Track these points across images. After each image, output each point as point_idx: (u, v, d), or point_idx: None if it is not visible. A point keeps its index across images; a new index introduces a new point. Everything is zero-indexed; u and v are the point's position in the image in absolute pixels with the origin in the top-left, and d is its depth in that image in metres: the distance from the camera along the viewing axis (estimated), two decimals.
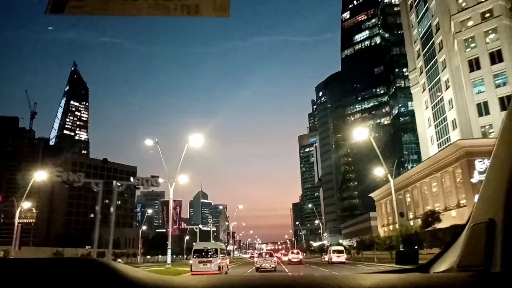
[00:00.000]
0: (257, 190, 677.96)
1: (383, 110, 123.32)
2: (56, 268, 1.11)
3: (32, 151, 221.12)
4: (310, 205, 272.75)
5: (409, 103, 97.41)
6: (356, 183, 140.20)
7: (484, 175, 1.46)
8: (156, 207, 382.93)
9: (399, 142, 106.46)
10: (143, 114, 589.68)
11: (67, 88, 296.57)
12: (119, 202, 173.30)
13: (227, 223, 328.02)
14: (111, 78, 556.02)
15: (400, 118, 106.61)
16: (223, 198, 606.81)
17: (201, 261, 24.29)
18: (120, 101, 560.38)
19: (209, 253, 24.78)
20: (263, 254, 35.55)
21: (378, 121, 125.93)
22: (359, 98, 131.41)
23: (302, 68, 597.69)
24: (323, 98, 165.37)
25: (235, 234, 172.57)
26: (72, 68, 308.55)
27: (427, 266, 1.79)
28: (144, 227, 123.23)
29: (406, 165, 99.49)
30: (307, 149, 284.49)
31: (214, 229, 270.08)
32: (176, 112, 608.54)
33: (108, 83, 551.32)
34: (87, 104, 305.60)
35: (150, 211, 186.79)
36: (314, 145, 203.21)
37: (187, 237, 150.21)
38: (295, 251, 55.44)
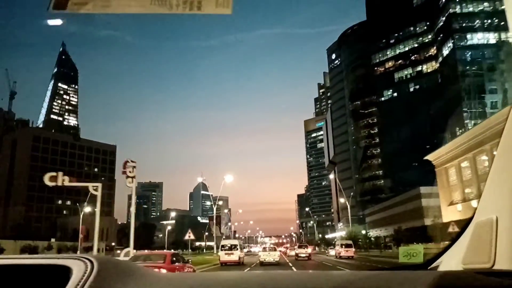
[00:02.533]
0: (260, 184, 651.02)
1: (426, 53, 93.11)
2: (53, 268, 1.06)
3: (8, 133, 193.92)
4: (316, 196, 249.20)
5: (471, 35, 68.43)
6: (380, 160, 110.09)
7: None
8: (154, 198, 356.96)
9: (452, 93, 75.86)
10: (142, 106, 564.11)
11: (55, 70, 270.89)
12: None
13: (226, 211, 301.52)
14: (110, 71, 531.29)
15: (455, 58, 75.78)
16: (225, 191, 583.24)
17: (226, 253, 32.51)
18: (117, 93, 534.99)
19: (232, 248, 33.16)
20: (267, 248, 36.44)
21: (419, 68, 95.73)
22: (392, 41, 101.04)
23: (305, 60, 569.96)
24: (336, 61, 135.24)
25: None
26: (61, 49, 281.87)
27: (431, 263, 1.75)
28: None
29: (467, 121, 69.20)
30: (314, 134, 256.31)
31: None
32: (178, 106, 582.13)
33: (106, 76, 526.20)
34: (76, 87, 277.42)
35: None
36: (324, 122, 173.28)
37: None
38: (303, 244, 51.68)
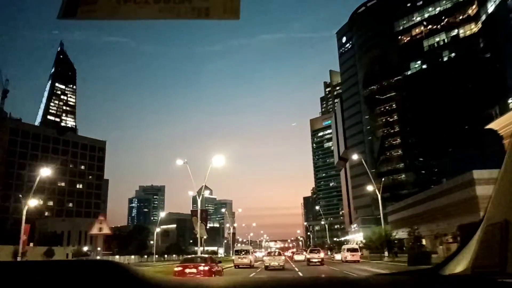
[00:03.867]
0: (265, 188, 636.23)
1: (463, 13, 77.59)
2: (70, 271, 1.06)
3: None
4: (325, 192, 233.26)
5: None
6: (400, 151, 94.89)
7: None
8: (156, 202, 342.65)
9: (498, 61, 60.48)
10: (145, 111, 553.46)
11: (53, 69, 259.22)
12: (79, 186, 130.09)
13: (230, 218, 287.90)
14: (115, 76, 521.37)
15: (503, 16, 59.97)
16: (229, 195, 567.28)
17: (239, 257, 36.83)
18: (118, 96, 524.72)
19: (243, 252, 37.67)
20: (272, 253, 36.79)
21: (454, 33, 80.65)
22: (419, 3, 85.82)
23: (309, 65, 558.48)
24: (347, 45, 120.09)
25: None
26: (59, 48, 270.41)
27: (440, 268, 1.69)
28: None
29: None
30: (321, 133, 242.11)
31: (217, 225, 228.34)
32: (182, 110, 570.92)
33: (111, 81, 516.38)
34: (74, 87, 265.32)
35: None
36: (333, 116, 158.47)
37: None
38: (315, 249, 47.38)
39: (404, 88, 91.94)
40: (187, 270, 17.72)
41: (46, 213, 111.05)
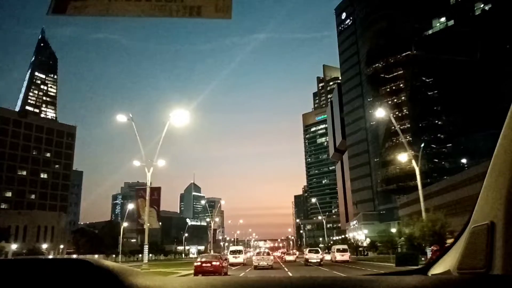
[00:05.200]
0: (255, 188, 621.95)
1: None
2: (51, 270, 1.02)
3: None
4: (324, 181, 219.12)
5: None
6: (410, 136, 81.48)
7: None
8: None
9: None
10: (135, 108, 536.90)
11: (33, 58, 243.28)
12: (44, 175, 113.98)
13: (216, 218, 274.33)
14: (105, 73, 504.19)
15: None
16: (218, 193, 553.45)
17: (234, 256, 38.59)
18: (111, 94, 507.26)
19: (237, 252, 40.18)
20: (261, 253, 36.58)
21: None
22: None
23: (300, 64, 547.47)
24: (347, 21, 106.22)
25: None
26: (40, 36, 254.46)
27: (427, 269, 1.71)
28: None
29: None
30: (313, 129, 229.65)
31: (205, 224, 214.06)
32: (172, 108, 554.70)
33: (101, 78, 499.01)
34: (55, 77, 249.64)
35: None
36: (329, 104, 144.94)
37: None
38: (313, 249, 46.21)
39: (415, 63, 78.57)
40: (204, 265, 23.35)
41: (3, 205, 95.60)
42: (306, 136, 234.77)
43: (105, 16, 1.42)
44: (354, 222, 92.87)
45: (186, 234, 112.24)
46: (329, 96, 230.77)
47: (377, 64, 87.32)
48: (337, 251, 44.82)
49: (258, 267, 32.56)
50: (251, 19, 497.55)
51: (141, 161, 26.94)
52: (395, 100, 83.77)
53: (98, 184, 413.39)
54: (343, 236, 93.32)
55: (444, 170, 72.32)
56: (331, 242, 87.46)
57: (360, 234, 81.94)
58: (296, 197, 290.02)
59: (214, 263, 23.59)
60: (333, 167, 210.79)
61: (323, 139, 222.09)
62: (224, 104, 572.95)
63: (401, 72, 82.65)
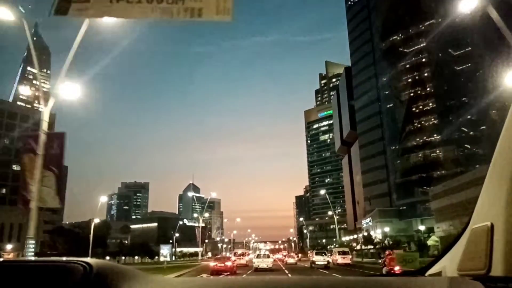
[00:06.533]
0: (255, 190, 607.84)
1: None
2: (50, 272, 1.00)
3: None
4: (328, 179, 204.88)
5: None
6: (434, 118, 68.50)
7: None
8: (139, 200, 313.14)
9: None
10: (134, 110, 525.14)
11: (26, 52, 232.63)
12: (16, 168, 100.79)
13: (220, 219, 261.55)
14: (105, 73, 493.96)
15: None
16: (218, 195, 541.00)
17: (237, 258, 39.80)
18: (110, 95, 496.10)
19: (242, 255, 43.98)
20: (261, 255, 37.18)
21: None
22: None
23: (301, 67, 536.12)
24: None
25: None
26: (33, 29, 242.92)
27: (427, 269, 1.68)
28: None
29: None
30: (316, 125, 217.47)
31: (203, 225, 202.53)
32: (173, 110, 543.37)
33: (101, 79, 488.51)
34: (48, 72, 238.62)
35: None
36: (334, 95, 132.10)
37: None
38: (320, 251, 44.12)
39: (441, 33, 65.54)
40: (219, 265, 28.40)
41: None
42: (309, 134, 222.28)
43: (106, 18, 1.35)
44: (367, 220, 79.65)
45: (177, 234, 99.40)
46: (332, 93, 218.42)
47: (395, 37, 74.40)
48: (338, 254, 43.67)
49: (259, 269, 33.00)
50: (253, 22, 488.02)
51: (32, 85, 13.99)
52: (416, 77, 70.78)
53: (96, 184, 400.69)
54: (359, 234, 80.00)
55: (478, 157, 59.17)
56: (351, 243, 74.56)
57: (375, 234, 68.81)
58: (297, 197, 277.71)
59: (227, 263, 28.73)
60: (337, 165, 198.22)
61: (326, 136, 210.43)
62: (222, 107, 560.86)
63: (424, 45, 69.75)
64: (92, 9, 1.43)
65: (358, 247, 66.96)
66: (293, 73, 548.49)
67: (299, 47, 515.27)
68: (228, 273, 27.01)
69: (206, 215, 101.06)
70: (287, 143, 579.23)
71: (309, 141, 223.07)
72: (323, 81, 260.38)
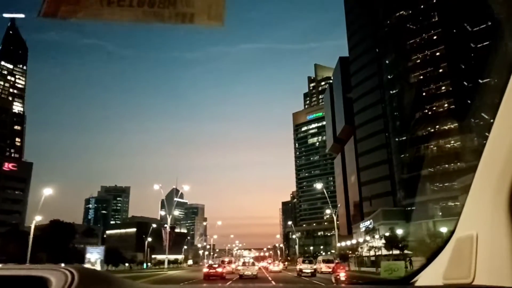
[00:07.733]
0: (240, 197, 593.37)
1: None
2: (33, 277, 0.96)
3: None
4: (319, 186, 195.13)
5: None
6: (449, 102, 57.96)
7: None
8: (119, 204, 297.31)
9: None
10: (122, 114, 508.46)
11: (1, 47, 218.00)
12: None
13: (204, 224, 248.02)
14: (90, 78, 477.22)
15: None
16: (200, 199, 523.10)
17: (226, 265, 40.07)
18: (96, 99, 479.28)
19: (227, 262, 45.33)
20: (246, 263, 37.71)
21: None
22: None
23: (288, 76, 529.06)
24: None
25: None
26: (9, 23, 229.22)
27: (411, 278, 1.68)
28: None
29: None
30: (304, 128, 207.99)
31: (185, 231, 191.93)
32: (158, 116, 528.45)
33: (86, 83, 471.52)
34: (24, 67, 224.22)
35: None
36: (327, 88, 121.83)
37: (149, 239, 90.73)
38: (307, 259, 45.02)
39: (454, 6, 55.44)
40: (211, 271, 31.00)
41: None
42: (297, 136, 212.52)
43: (97, 21, 1.37)
44: (367, 223, 68.44)
45: (149, 239, 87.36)
46: (320, 96, 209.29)
47: (401, 12, 64.10)
48: (323, 262, 43.44)
49: (244, 276, 32.85)
50: (241, 29, 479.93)
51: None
52: (427, 57, 60.41)
53: (71, 186, 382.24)
54: (352, 240, 68.81)
55: None
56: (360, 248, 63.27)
57: (378, 239, 57.51)
58: (284, 203, 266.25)
59: (218, 269, 31.89)
60: (326, 169, 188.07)
61: (314, 139, 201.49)
62: (208, 113, 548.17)
63: (436, 19, 59.55)
64: (82, 12, 1.37)
65: (369, 253, 55.85)
66: (281, 80, 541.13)
67: (288, 54, 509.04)
68: (219, 277, 30.58)
69: (176, 213, 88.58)
70: (274, 151, 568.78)
71: (297, 145, 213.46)
72: (312, 84, 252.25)
